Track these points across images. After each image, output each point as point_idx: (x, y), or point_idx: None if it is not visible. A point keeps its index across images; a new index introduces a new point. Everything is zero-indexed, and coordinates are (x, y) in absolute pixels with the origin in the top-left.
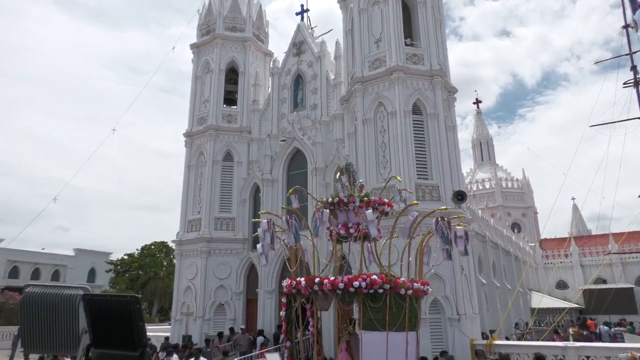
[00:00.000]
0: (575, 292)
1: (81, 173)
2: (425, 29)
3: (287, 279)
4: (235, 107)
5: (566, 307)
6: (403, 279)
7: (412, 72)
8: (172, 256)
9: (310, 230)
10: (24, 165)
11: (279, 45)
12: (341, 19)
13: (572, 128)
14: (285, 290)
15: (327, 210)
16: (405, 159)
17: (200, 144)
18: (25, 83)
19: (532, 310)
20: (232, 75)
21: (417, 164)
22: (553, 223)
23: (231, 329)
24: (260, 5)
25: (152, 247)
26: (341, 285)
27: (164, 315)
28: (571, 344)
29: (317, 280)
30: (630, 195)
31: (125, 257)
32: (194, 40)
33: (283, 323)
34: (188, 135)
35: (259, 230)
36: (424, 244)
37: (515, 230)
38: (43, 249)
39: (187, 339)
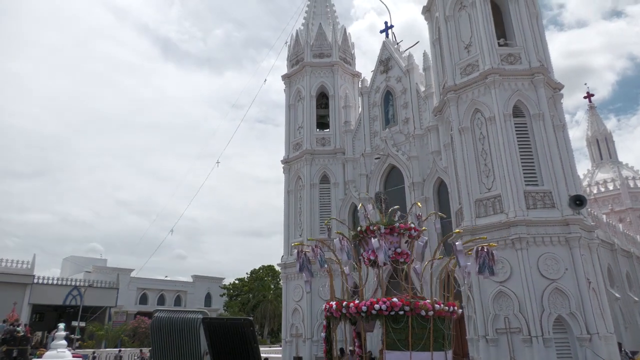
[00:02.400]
0: None
1: (193, 205)
2: (520, 26)
3: (326, 303)
4: (327, 130)
5: None
6: (427, 301)
7: (509, 73)
8: (278, 279)
9: (337, 257)
10: (151, 203)
11: (365, 64)
12: (427, 30)
13: None
14: (325, 312)
15: (337, 239)
16: (510, 166)
17: (298, 168)
18: (153, 130)
19: None
20: (322, 100)
21: (523, 169)
22: None
23: (341, 350)
24: (345, 29)
25: (260, 271)
26: (364, 308)
27: (274, 337)
28: None
29: (344, 304)
30: None
31: (237, 281)
32: (285, 71)
33: (323, 344)
34: (285, 161)
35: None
36: (447, 267)
37: None
38: (166, 276)
39: None
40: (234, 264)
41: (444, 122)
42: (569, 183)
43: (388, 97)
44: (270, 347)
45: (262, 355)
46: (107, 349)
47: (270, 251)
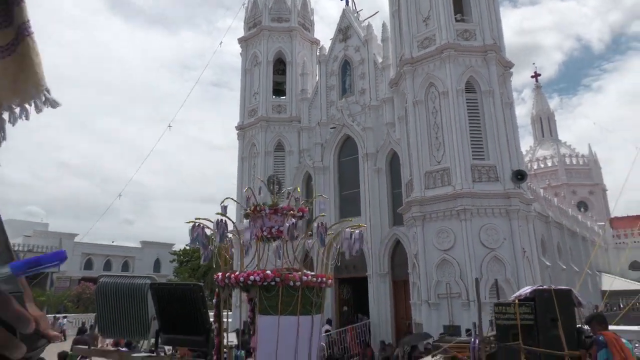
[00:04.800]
0: None
1: (143, 169)
2: (477, 2)
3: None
4: (284, 97)
5: None
6: (299, 273)
7: (464, 49)
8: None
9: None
10: (97, 166)
11: (324, 32)
12: (387, 1)
13: None
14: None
15: (223, 220)
16: (459, 140)
17: (252, 135)
18: (99, 89)
19: (603, 293)
20: (279, 66)
21: (472, 144)
22: (625, 200)
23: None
24: None
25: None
26: (241, 279)
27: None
28: None
29: (227, 274)
30: None
31: (187, 247)
32: (242, 34)
33: (215, 309)
34: (240, 127)
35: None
36: (331, 244)
37: (582, 210)
38: (113, 242)
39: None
40: (184, 230)
41: (400, 94)
42: (512, 158)
43: (346, 66)
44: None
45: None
46: (48, 315)
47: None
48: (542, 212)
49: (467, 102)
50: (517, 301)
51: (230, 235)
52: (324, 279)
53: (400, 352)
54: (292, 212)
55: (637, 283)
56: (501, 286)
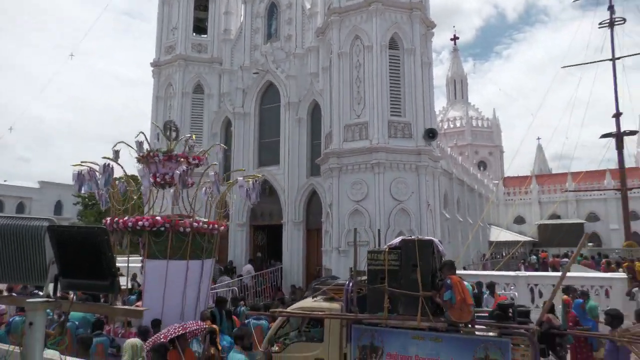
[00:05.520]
0: (532, 227)
1: (44, 104)
2: None
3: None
4: (205, 36)
5: (521, 240)
6: (190, 220)
7: (391, 4)
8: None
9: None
10: None
11: None
12: None
13: (546, 68)
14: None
15: (109, 164)
16: (380, 96)
17: (169, 74)
18: None
19: (490, 243)
20: (202, 0)
21: (391, 100)
22: (518, 162)
23: None
24: None
25: (122, 179)
26: (130, 224)
27: (133, 248)
28: (522, 273)
29: (115, 219)
30: (593, 136)
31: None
32: None
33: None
34: (156, 64)
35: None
36: (226, 194)
37: (481, 168)
38: (5, 181)
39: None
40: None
41: (325, 44)
42: (426, 117)
43: (273, 9)
44: (130, 257)
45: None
46: None
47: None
48: (448, 169)
49: (389, 59)
50: (387, 249)
51: (122, 180)
52: (216, 225)
53: (309, 295)
54: (186, 159)
55: (518, 235)
56: (405, 235)
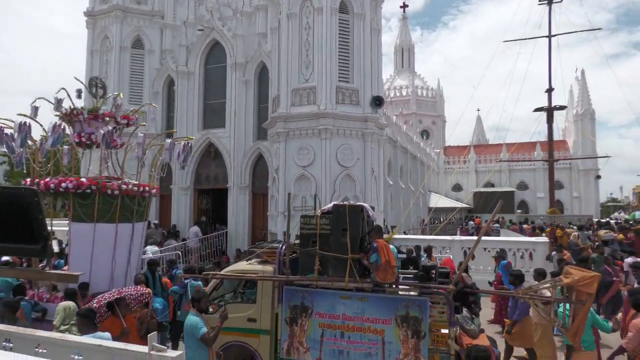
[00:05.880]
0: (468, 194)
1: None
2: None
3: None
4: None
5: (458, 207)
6: (119, 182)
7: None
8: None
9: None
10: None
11: None
12: None
13: (489, 41)
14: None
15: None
16: (328, 60)
17: (105, 26)
18: None
19: (430, 209)
20: None
21: (339, 66)
22: (459, 132)
23: (147, 223)
24: None
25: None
26: (52, 186)
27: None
28: (457, 238)
29: (36, 181)
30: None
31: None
32: None
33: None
34: (90, 14)
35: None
36: (156, 159)
37: (424, 137)
38: None
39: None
40: None
41: (274, 4)
42: (373, 84)
43: None
44: (64, 220)
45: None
46: None
47: None
48: (392, 136)
49: (339, 23)
50: (319, 213)
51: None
52: (147, 188)
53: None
54: (114, 119)
55: (456, 202)
56: (350, 200)
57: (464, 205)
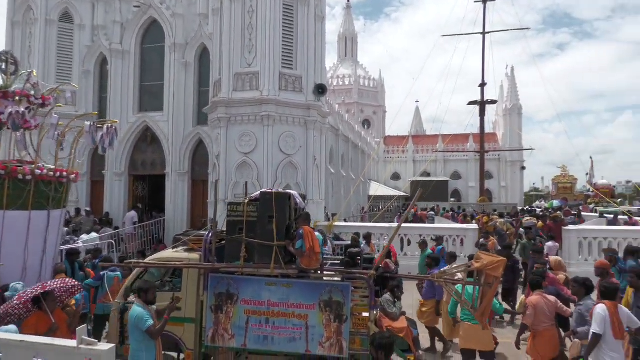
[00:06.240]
0: (406, 183)
1: None
2: None
3: None
4: None
5: (396, 195)
6: (32, 167)
7: None
8: None
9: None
10: None
11: None
12: None
13: (429, 35)
14: None
15: None
16: (272, 46)
17: None
18: None
19: (369, 197)
20: None
21: (283, 52)
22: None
23: (77, 210)
24: None
25: None
26: None
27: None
28: (395, 225)
29: None
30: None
31: None
32: None
33: None
34: None
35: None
36: (76, 142)
37: (366, 127)
38: None
39: None
40: None
41: None
42: (317, 72)
43: None
44: None
45: None
46: None
47: None
48: (335, 125)
49: (283, 8)
50: (246, 201)
51: None
52: (65, 173)
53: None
54: (27, 98)
55: (394, 190)
56: (292, 188)
57: (402, 194)
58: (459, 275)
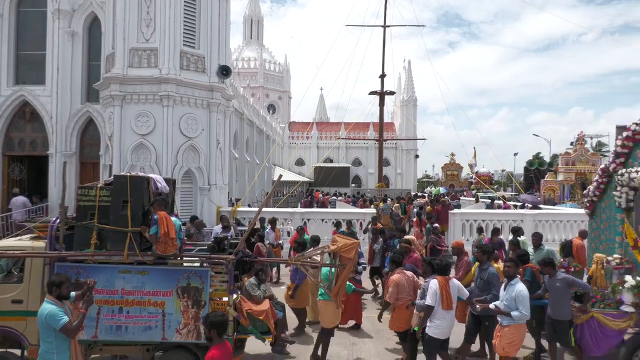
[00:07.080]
0: (309, 169)
1: None
2: None
3: None
4: None
5: (300, 181)
6: None
7: None
8: None
9: None
10: None
11: None
12: None
13: (334, 22)
14: None
15: None
16: (172, 22)
17: None
18: None
19: (273, 182)
20: None
21: (185, 29)
22: (303, 108)
23: None
24: None
25: None
26: None
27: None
28: (297, 210)
29: None
30: (364, 92)
31: None
32: None
33: None
34: None
35: None
36: None
37: (271, 111)
38: None
39: None
40: None
41: None
42: (221, 53)
43: None
44: None
45: None
46: None
47: None
48: (239, 109)
49: None
50: (99, 185)
51: None
52: None
53: None
54: None
55: (298, 175)
56: (193, 172)
57: (306, 179)
58: (317, 258)
